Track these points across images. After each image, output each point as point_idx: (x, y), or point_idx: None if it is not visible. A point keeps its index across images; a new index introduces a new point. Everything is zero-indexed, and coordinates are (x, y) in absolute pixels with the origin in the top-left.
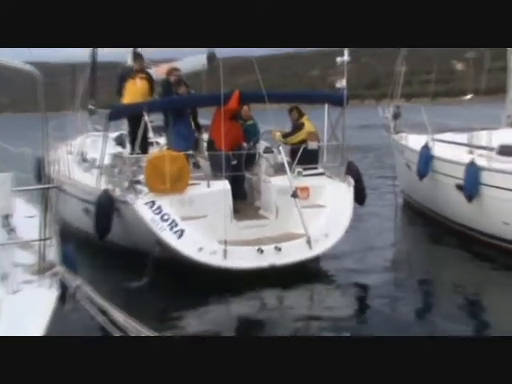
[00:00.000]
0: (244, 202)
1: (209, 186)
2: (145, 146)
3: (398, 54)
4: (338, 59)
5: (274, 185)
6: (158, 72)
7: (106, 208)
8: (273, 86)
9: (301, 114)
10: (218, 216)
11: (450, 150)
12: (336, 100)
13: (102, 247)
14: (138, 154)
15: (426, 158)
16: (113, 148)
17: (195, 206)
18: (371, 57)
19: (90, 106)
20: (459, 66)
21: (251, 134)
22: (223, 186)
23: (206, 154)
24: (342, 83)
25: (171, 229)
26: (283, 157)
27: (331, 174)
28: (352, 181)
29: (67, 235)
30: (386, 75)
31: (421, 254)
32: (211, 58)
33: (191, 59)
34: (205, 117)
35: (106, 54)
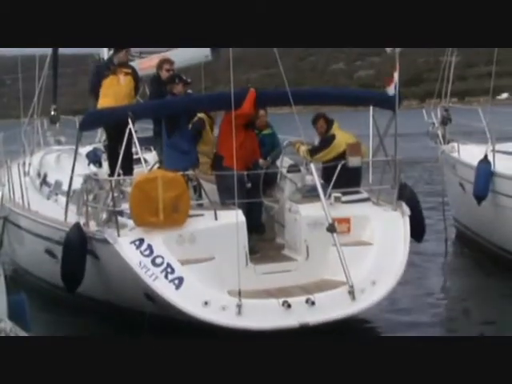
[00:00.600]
0: (262, 237)
1: (216, 217)
2: (129, 165)
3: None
4: (389, 49)
5: (304, 216)
6: (143, 66)
7: (78, 249)
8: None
9: (329, 124)
10: (229, 258)
11: None
12: (384, 101)
13: (71, 302)
14: (119, 175)
15: (485, 176)
16: (84, 168)
17: (198, 244)
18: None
19: (52, 112)
20: None
21: (269, 146)
22: (236, 217)
23: (212, 174)
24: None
25: (166, 276)
26: (315, 177)
27: (378, 200)
28: (407, 209)
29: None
30: (430, 68)
31: (482, 308)
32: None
33: (189, 49)
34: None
35: None
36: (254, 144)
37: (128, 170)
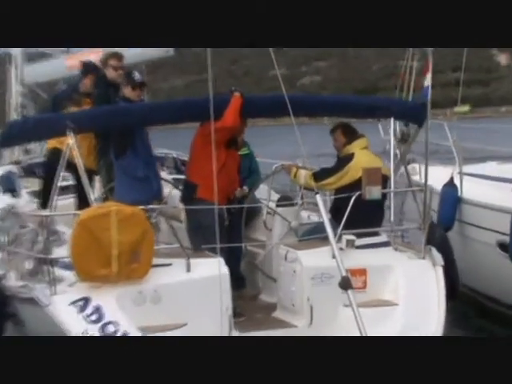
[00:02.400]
0: (242, 294)
1: (189, 268)
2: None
3: None
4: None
5: (307, 266)
6: (70, 63)
7: None
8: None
9: (349, 137)
10: (207, 324)
11: (491, 190)
12: (409, 112)
13: None
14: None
15: (450, 202)
16: None
17: (164, 305)
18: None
19: None
20: (503, 59)
21: (245, 171)
22: (216, 268)
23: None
24: (426, 81)
25: None
26: (323, 212)
27: (399, 243)
28: (439, 257)
29: None
30: (386, 76)
31: None
32: None
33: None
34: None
35: None
36: (236, 168)
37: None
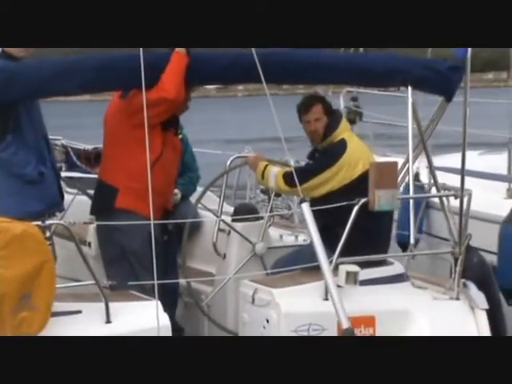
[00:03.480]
0: None
1: (109, 318)
2: None
3: None
4: None
5: (286, 313)
6: None
7: None
8: None
9: (334, 118)
10: None
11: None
12: (437, 78)
13: None
14: None
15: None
16: None
17: None
18: None
19: None
20: None
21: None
22: (150, 316)
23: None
24: None
25: None
26: (312, 231)
27: (419, 277)
28: (482, 298)
29: None
30: None
31: None
32: None
33: None
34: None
35: None
36: (177, 162)
37: None
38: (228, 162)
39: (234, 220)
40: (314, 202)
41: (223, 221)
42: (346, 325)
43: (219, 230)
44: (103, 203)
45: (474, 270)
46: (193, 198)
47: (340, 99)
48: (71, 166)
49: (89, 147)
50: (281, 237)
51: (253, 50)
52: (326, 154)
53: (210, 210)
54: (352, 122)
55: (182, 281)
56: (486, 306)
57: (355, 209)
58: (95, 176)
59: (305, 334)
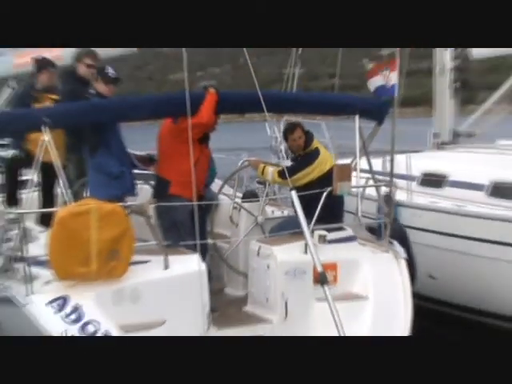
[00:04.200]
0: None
1: (167, 265)
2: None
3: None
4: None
5: (281, 261)
6: (20, 61)
7: None
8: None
9: (309, 136)
10: (186, 321)
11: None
12: (373, 109)
13: None
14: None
15: None
16: None
17: (144, 304)
18: (259, 57)
19: None
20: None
21: None
22: (194, 264)
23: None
24: (391, 78)
25: None
26: (298, 209)
27: (363, 237)
28: (402, 251)
29: None
30: (272, 81)
31: None
32: None
33: None
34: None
35: None
36: (207, 164)
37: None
38: (239, 164)
39: (243, 201)
40: (298, 190)
41: (236, 202)
42: (319, 269)
43: (233, 208)
44: (161, 190)
45: (396, 233)
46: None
47: (281, 126)
48: (133, 166)
49: (141, 153)
50: (272, 212)
51: (258, 91)
52: (307, 157)
53: (227, 195)
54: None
55: (210, 241)
56: (406, 256)
57: (324, 194)
58: (148, 172)
59: (292, 275)
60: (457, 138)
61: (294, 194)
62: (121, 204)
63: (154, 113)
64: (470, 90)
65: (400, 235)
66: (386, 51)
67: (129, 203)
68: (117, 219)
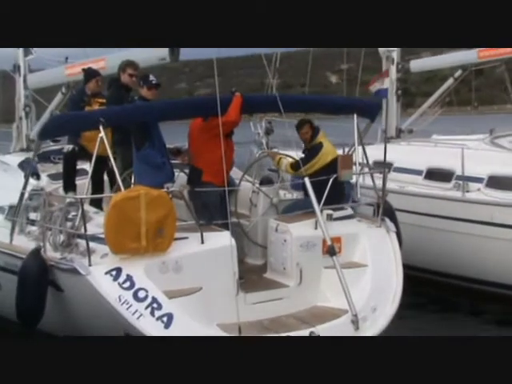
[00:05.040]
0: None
1: (203, 241)
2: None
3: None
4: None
5: (296, 236)
6: (71, 71)
7: (38, 281)
8: None
9: (315, 131)
10: (219, 287)
11: None
12: (367, 109)
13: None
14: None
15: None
16: (18, 181)
17: (184, 273)
18: (244, 69)
19: None
20: (333, 79)
21: None
22: (226, 240)
23: (186, 191)
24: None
25: (152, 313)
26: (311, 193)
27: (359, 215)
28: (392, 225)
29: None
30: (255, 89)
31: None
32: (175, 50)
33: (139, 50)
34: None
35: None
36: (232, 155)
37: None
38: (257, 155)
39: (260, 185)
40: (310, 177)
41: (256, 186)
42: (329, 242)
43: (253, 191)
44: (194, 178)
45: (387, 211)
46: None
47: (262, 122)
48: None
49: (170, 146)
50: (284, 195)
51: (276, 93)
52: (312, 151)
53: (249, 180)
54: (268, 133)
55: (235, 220)
56: (395, 230)
57: (330, 180)
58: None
59: (305, 248)
60: (400, 134)
61: (307, 180)
62: (164, 190)
63: (191, 113)
64: (409, 96)
65: (389, 213)
66: (344, 66)
67: (171, 189)
68: (162, 203)
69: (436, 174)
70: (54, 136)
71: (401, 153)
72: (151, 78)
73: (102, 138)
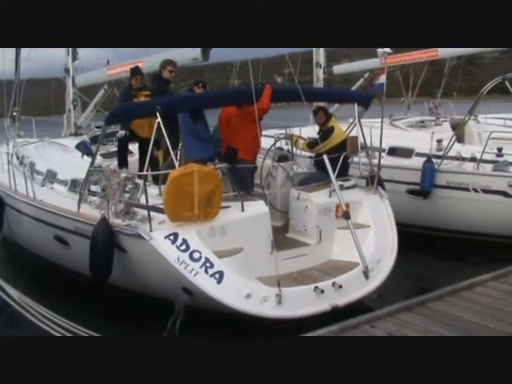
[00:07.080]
0: None
1: (243, 209)
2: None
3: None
4: (379, 50)
5: (316, 203)
6: (113, 71)
7: (106, 244)
8: None
9: (328, 116)
10: (256, 247)
11: None
12: (364, 100)
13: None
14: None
15: None
16: (76, 159)
17: (228, 236)
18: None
19: (14, 113)
20: (279, 79)
21: None
22: (262, 208)
23: (224, 167)
24: (381, 79)
25: (206, 271)
26: (328, 168)
27: (360, 186)
28: (385, 193)
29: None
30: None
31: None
32: (206, 50)
33: (178, 51)
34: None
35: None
36: (261, 137)
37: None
38: (276, 136)
39: (278, 161)
40: (318, 155)
41: (276, 162)
42: (344, 207)
43: (272, 166)
44: (231, 156)
45: (379, 181)
46: None
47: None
48: None
49: None
50: (296, 169)
51: (299, 87)
52: (326, 133)
53: (269, 157)
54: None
55: (260, 191)
56: (387, 197)
57: (342, 157)
58: None
59: (323, 213)
60: None
61: (325, 157)
62: (212, 166)
63: (231, 101)
64: None
65: (380, 183)
66: (287, 70)
67: (218, 166)
68: (212, 177)
69: (396, 152)
70: (119, 122)
71: None
72: (201, 81)
73: (158, 122)
